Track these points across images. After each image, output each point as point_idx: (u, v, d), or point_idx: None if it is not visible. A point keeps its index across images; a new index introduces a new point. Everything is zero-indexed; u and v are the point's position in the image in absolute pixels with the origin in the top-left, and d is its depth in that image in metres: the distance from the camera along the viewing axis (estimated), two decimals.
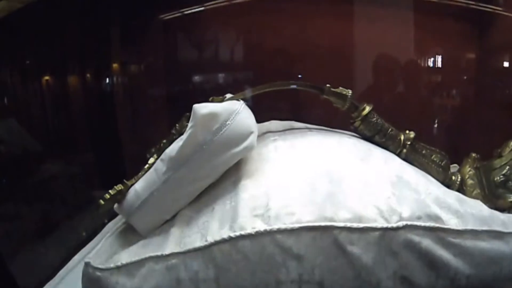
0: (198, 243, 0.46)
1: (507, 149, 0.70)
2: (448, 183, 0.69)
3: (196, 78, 1.17)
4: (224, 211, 0.49)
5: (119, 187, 0.53)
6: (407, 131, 0.69)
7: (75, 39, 1.03)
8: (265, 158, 0.58)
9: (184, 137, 0.52)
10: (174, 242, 0.48)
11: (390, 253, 0.49)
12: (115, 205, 0.55)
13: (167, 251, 0.47)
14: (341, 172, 0.54)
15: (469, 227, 0.53)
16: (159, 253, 0.46)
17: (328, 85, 0.65)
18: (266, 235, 0.45)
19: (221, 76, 1.17)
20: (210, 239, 0.46)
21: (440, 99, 1.02)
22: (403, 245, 0.49)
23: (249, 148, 0.54)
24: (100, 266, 0.47)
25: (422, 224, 0.50)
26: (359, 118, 0.66)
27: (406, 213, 0.51)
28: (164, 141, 0.61)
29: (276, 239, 0.45)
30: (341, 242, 0.47)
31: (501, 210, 0.67)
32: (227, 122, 0.51)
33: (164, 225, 0.53)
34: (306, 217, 0.47)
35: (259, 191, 0.51)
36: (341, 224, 0.47)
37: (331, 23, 1.05)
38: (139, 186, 0.53)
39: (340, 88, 0.66)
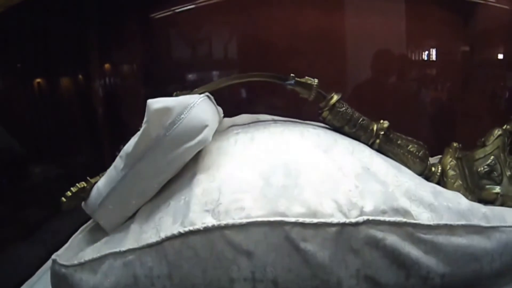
0: (152, 239, 0.45)
1: (491, 138, 0.65)
2: (427, 175, 0.65)
3: (189, 76, 1.15)
4: (178, 206, 0.48)
5: (81, 184, 0.53)
6: (382, 121, 0.64)
7: (62, 40, 1.02)
8: (224, 152, 0.55)
9: (139, 133, 0.50)
10: (132, 238, 0.47)
11: (350, 250, 0.45)
12: (82, 203, 0.55)
13: (124, 247, 0.46)
14: (299, 164, 0.50)
15: (443, 221, 0.49)
16: (117, 250, 0.46)
17: (292, 74, 0.61)
18: (215, 230, 0.44)
19: (211, 74, 1.15)
20: (163, 234, 0.45)
21: (425, 89, 0.97)
22: (364, 241, 0.45)
23: (203, 142, 0.51)
24: (65, 263, 0.48)
25: (387, 219, 0.46)
26: (327, 108, 0.62)
27: (368, 207, 0.46)
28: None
29: (225, 234, 0.44)
30: (293, 238, 0.43)
31: (485, 202, 0.62)
32: (181, 117, 0.49)
33: (127, 221, 0.52)
34: (256, 212, 0.44)
35: (212, 185, 0.48)
36: (293, 219, 0.44)
37: (321, 14, 1.02)
38: (101, 183, 0.52)
39: (306, 77, 0.62)
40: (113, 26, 1.08)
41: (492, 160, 0.64)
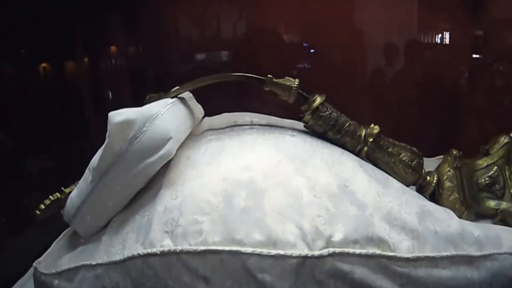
0: (118, 256, 0.46)
1: (496, 146, 0.58)
2: (421, 184, 0.59)
3: (198, 56, 1.11)
4: (142, 222, 0.47)
5: (55, 196, 0.53)
6: (372, 125, 0.58)
7: (66, 21, 0.99)
8: (192, 163, 0.51)
9: (103, 146, 0.49)
10: (103, 250, 0.47)
11: (313, 281, 0.41)
12: (61, 210, 0.54)
13: (94, 261, 0.47)
14: (266, 182, 0.46)
15: (425, 252, 0.45)
16: (88, 262, 0.47)
17: (269, 75, 0.55)
18: (173, 254, 0.43)
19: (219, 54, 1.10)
20: (126, 253, 0.45)
21: (430, 84, 0.87)
22: (329, 274, 0.41)
23: (166, 156, 0.48)
24: (44, 272, 0.50)
25: (357, 251, 0.42)
26: (308, 112, 0.56)
27: (337, 236, 0.42)
28: None
29: (182, 259, 0.43)
30: (250, 268, 0.41)
31: (484, 216, 0.56)
32: (143, 129, 0.47)
33: (100, 231, 0.51)
34: (213, 237, 0.42)
35: (174, 203, 0.46)
36: (249, 250, 0.41)
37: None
38: (74, 194, 0.52)
39: (286, 77, 0.55)
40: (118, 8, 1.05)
41: (495, 171, 0.57)
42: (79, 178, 0.53)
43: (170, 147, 0.48)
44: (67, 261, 0.49)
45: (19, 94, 0.87)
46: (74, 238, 0.55)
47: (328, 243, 0.42)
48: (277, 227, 0.42)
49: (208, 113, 0.71)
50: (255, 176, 0.46)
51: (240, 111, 0.68)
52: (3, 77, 0.85)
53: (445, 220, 0.49)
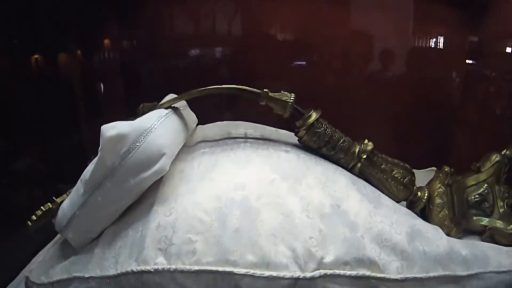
0: (111, 270, 0.46)
1: (488, 164, 0.59)
2: (412, 200, 0.59)
3: (193, 52, 1.09)
4: (135, 238, 0.47)
5: (46, 207, 0.53)
6: (366, 141, 0.58)
7: (59, 14, 0.96)
8: (185, 177, 0.51)
9: (94, 160, 0.48)
10: (95, 263, 0.48)
11: None
12: (53, 220, 0.54)
13: (87, 273, 0.47)
14: (260, 202, 0.46)
15: (413, 273, 0.46)
16: (81, 275, 0.48)
17: (265, 89, 0.54)
18: (166, 272, 0.43)
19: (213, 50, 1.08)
20: (120, 268, 0.45)
21: (424, 94, 0.88)
22: None
23: (160, 172, 0.48)
24: (36, 282, 0.49)
25: (348, 272, 0.43)
26: (304, 128, 0.56)
27: (329, 258, 0.43)
28: None
29: (175, 277, 0.43)
30: None
31: (473, 232, 0.58)
32: (137, 144, 0.47)
33: (93, 242, 0.51)
34: (207, 258, 0.43)
35: (168, 220, 0.46)
36: (243, 271, 0.42)
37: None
38: (66, 205, 0.52)
39: (282, 92, 0.55)
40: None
41: (485, 189, 0.58)
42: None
43: (163, 163, 0.48)
44: (59, 271, 0.49)
45: (10, 86, 0.85)
46: (65, 247, 0.55)
47: (320, 265, 0.42)
48: (270, 248, 0.42)
49: (201, 112, 0.69)
50: (249, 195, 0.46)
51: (232, 112, 0.67)
52: None
53: (434, 239, 0.50)
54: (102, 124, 0.47)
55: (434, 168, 0.84)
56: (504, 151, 0.59)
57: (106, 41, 1.09)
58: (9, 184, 0.81)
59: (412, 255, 0.47)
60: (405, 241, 0.48)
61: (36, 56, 0.95)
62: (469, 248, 0.51)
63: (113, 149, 0.46)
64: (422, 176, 0.69)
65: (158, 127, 0.49)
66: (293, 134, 0.60)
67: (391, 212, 0.52)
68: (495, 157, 0.58)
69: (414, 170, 0.66)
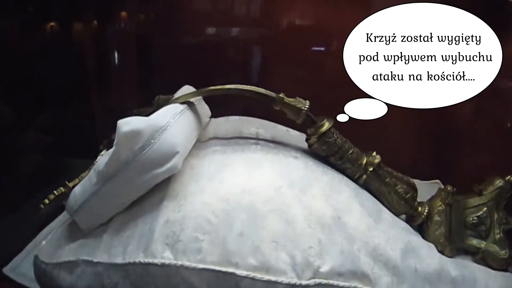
0: (118, 258, 0.48)
1: (490, 188, 0.60)
2: (412, 214, 0.61)
3: (209, 30, 1.09)
4: (143, 230, 0.49)
5: (59, 191, 0.54)
6: (373, 154, 0.59)
7: None
8: (196, 175, 0.53)
9: (109, 152, 0.50)
10: (104, 249, 0.49)
11: None
12: (64, 202, 0.56)
13: (95, 258, 0.49)
14: (265, 207, 0.48)
15: None
16: (89, 259, 0.49)
17: (281, 94, 0.55)
18: (172, 267, 0.45)
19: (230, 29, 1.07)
20: (127, 258, 0.47)
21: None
22: None
23: (172, 170, 0.50)
24: (45, 260, 0.51)
25: (341, 283, 0.45)
26: (315, 136, 0.57)
27: (325, 268, 0.45)
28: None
29: (180, 272, 0.45)
30: None
31: (466, 251, 0.60)
32: (151, 141, 0.48)
33: (101, 227, 0.53)
34: (211, 257, 0.45)
35: (176, 216, 0.48)
36: (244, 273, 0.44)
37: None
38: (78, 190, 0.53)
39: (297, 98, 0.56)
40: None
41: (484, 212, 0.60)
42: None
43: (176, 162, 0.49)
44: (66, 253, 0.51)
45: (24, 53, 0.85)
46: (73, 228, 0.56)
47: (316, 274, 0.45)
48: (271, 254, 0.44)
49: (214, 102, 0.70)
50: (256, 200, 0.48)
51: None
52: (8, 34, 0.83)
53: (426, 258, 0.52)
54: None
55: (438, 181, 0.86)
56: (509, 177, 0.60)
57: (123, 13, 1.08)
58: (16, 155, 0.83)
59: (403, 271, 0.49)
60: (399, 257, 0.50)
61: (52, 23, 0.95)
62: (459, 269, 0.53)
63: (127, 144, 0.48)
64: (425, 188, 0.70)
65: (173, 125, 0.50)
66: (303, 135, 0.61)
67: (389, 227, 0.53)
68: (498, 182, 0.59)
69: (418, 181, 0.67)
